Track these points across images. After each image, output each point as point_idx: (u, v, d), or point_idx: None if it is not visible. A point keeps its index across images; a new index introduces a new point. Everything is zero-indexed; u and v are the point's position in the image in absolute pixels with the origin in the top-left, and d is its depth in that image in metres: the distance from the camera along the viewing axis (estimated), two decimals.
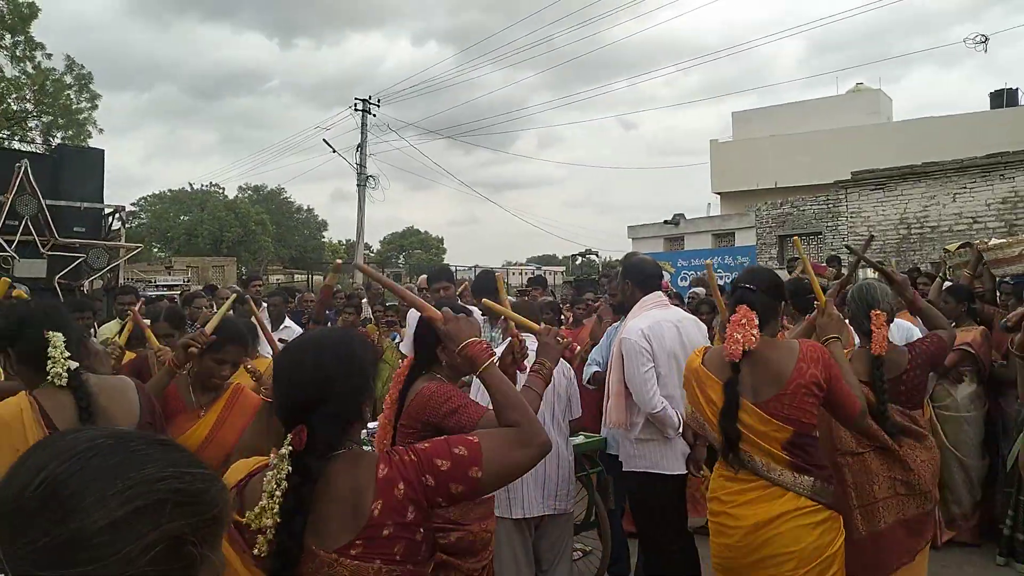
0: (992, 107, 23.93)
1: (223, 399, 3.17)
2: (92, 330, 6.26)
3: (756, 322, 2.78)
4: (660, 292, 4.14)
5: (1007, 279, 6.02)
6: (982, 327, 5.50)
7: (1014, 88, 24.39)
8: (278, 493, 1.58)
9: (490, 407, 2.23)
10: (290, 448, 1.59)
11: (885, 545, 3.24)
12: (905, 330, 4.53)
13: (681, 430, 3.82)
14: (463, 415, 2.51)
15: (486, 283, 5.40)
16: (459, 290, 6.18)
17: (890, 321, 3.48)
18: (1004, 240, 6.51)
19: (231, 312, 3.54)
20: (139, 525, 0.88)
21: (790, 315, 4.78)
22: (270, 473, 1.60)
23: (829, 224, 17.04)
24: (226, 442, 3.06)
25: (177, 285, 23.39)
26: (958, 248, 6.95)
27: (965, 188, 14.48)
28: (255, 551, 1.58)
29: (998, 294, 6.26)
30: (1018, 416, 4.90)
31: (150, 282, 26.01)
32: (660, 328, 3.87)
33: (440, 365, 2.76)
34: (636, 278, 4.11)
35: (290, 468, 1.58)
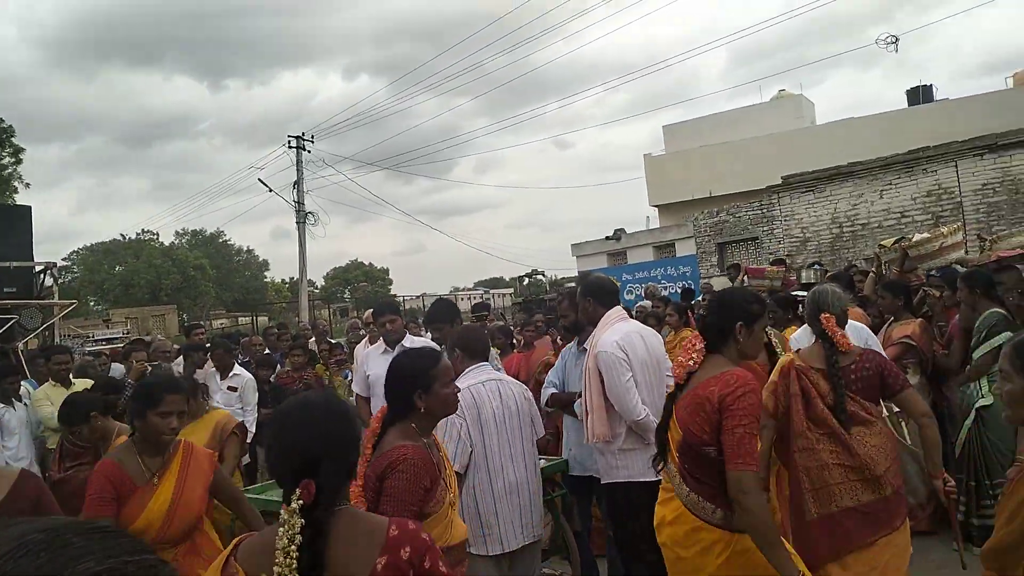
0: (910, 104, 24.86)
1: (176, 463, 3.09)
2: (23, 392, 6.05)
3: (700, 347, 2.93)
4: (620, 307, 4.30)
5: (934, 272, 6.22)
6: (920, 319, 5.65)
7: (928, 84, 25.40)
8: (293, 548, 1.59)
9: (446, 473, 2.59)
10: (300, 503, 1.64)
11: (837, 530, 3.30)
12: (856, 330, 4.66)
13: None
14: (393, 496, 2.49)
15: (440, 311, 5.38)
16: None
17: (842, 323, 3.67)
18: (925, 236, 6.73)
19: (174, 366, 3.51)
20: None
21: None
22: (281, 530, 1.62)
23: (765, 229, 17.43)
24: (192, 508, 3.04)
25: (116, 338, 22.79)
26: (893, 244, 7.16)
27: (891, 184, 14.98)
28: None
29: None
30: (962, 403, 5.05)
31: (88, 337, 25.30)
32: (631, 339, 4.03)
33: (417, 412, 2.73)
34: (596, 295, 4.26)
35: (303, 523, 1.62)
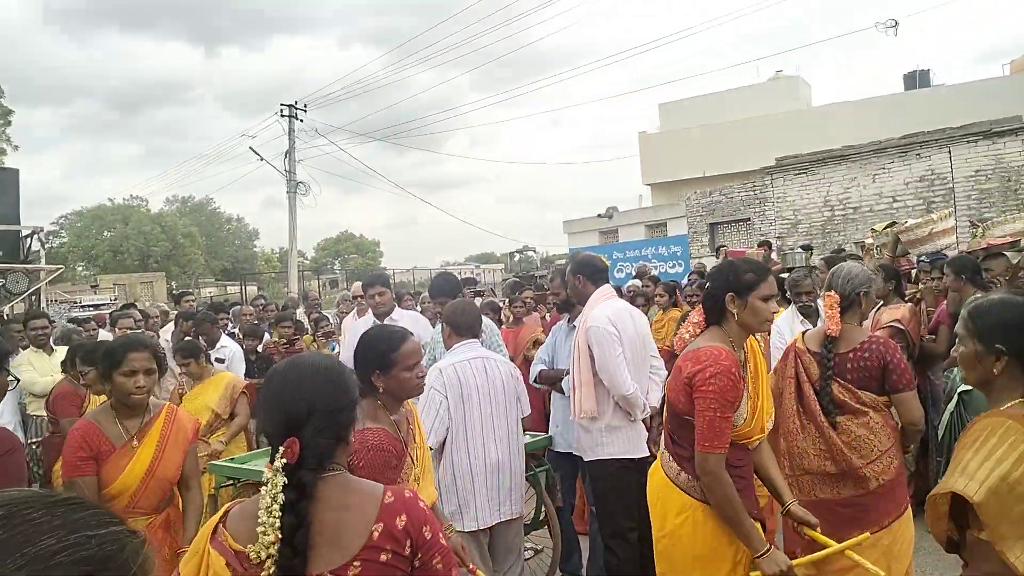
0: (906, 88, 24.84)
1: (156, 427, 3.04)
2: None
3: (700, 318, 2.91)
4: (609, 285, 4.32)
5: (923, 257, 6.23)
6: (909, 304, 5.67)
7: (926, 69, 25.36)
8: (275, 507, 1.55)
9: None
10: (283, 462, 1.60)
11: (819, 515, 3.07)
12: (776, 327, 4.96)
13: (644, 415, 4.05)
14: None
15: (443, 285, 5.36)
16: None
17: (855, 307, 3.43)
18: (917, 221, 6.74)
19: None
20: None
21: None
22: (264, 489, 1.59)
23: (756, 210, 17.43)
24: (168, 473, 3.01)
25: (103, 304, 22.67)
26: (884, 228, 7.16)
27: (884, 169, 14.98)
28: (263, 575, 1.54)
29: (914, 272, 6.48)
30: (946, 388, 5.08)
31: (75, 303, 25.14)
32: (622, 315, 4.08)
33: (378, 391, 2.69)
34: (587, 272, 4.27)
35: (285, 481, 1.59)
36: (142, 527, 2.80)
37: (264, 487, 1.60)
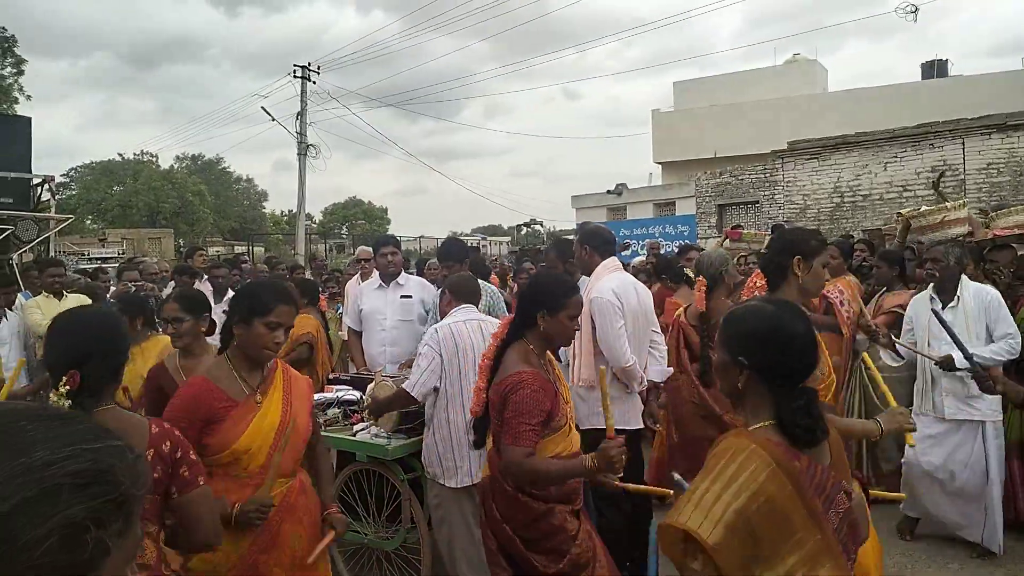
0: (923, 78, 24.61)
1: (277, 381, 2.77)
2: (16, 303, 6.09)
3: (762, 282, 3.19)
4: (615, 258, 4.36)
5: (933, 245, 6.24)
6: (912, 290, 5.70)
7: (944, 59, 25.12)
8: None
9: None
10: (67, 388, 1.94)
11: (696, 452, 3.32)
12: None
13: (641, 387, 4.15)
14: (514, 419, 2.66)
15: (452, 250, 5.38)
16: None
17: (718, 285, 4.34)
18: (931, 208, 6.74)
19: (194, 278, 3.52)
20: (27, 519, 0.78)
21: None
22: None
23: (766, 193, 17.38)
24: (300, 433, 2.75)
25: (112, 257, 22.78)
26: (908, 213, 7.13)
27: (896, 157, 14.91)
28: None
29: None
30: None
31: (83, 254, 25.28)
32: (627, 288, 4.13)
33: (536, 331, 2.86)
34: (594, 243, 4.31)
35: (70, 403, 1.93)
36: (282, 492, 2.65)
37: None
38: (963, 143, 14.11)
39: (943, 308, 4.51)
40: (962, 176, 14.08)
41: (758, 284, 3.09)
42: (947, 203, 6.64)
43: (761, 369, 1.76)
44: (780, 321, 1.79)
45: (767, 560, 1.59)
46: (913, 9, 21.25)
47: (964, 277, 4.67)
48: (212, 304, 3.88)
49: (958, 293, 4.59)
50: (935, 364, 4.42)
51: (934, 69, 24.68)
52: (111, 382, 2.11)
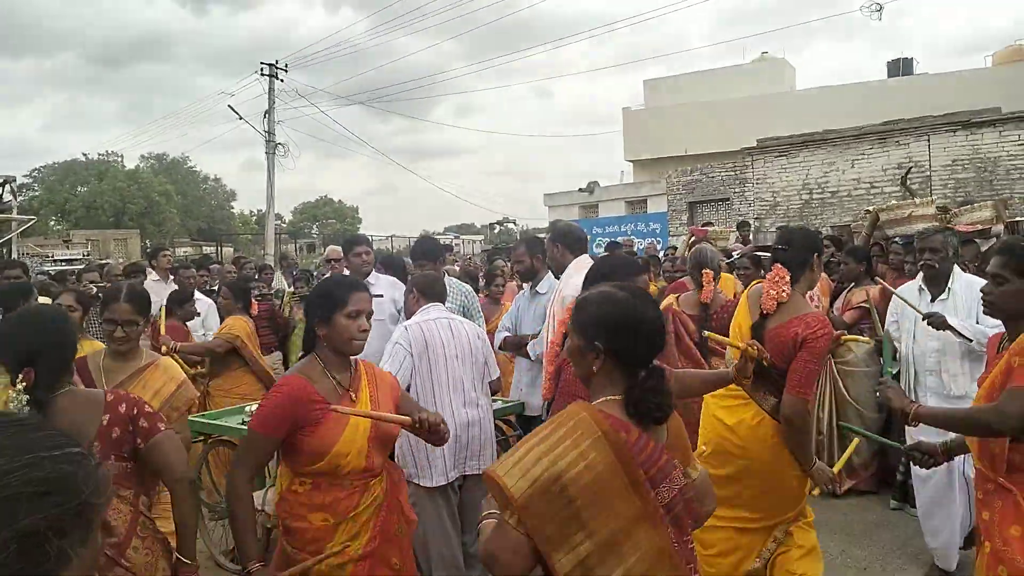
0: (889, 76, 24.95)
1: (363, 379, 2.72)
2: None
3: (788, 279, 3.20)
4: (587, 255, 4.33)
5: (896, 239, 6.31)
6: (880, 286, 5.76)
7: (909, 57, 25.50)
8: None
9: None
10: (23, 384, 2.14)
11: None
12: None
13: None
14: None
15: (426, 248, 5.34)
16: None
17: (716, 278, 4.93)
18: (900, 203, 6.83)
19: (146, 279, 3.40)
20: None
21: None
22: (11, 405, 2.10)
23: (736, 190, 17.52)
24: (390, 429, 2.69)
25: (77, 259, 22.39)
26: (875, 210, 7.22)
27: (863, 155, 15.10)
28: None
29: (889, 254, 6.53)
30: None
31: (47, 256, 24.81)
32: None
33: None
34: (566, 241, 4.32)
35: (28, 397, 2.12)
36: (379, 491, 2.62)
37: (11, 404, 2.10)
38: (929, 140, 14.33)
39: (932, 301, 4.40)
40: (928, 172, 14.29)
41: (785, 279, 3.30)
42: (915, 199, 6.74)
43: (615, 352, 1.82)
44: (633, 307, 1.85)
45: (585, 523, 1.64)
46: (878, 8, 21.53)
47: (956, 268, 4.48)
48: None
49: (949, 285, 4.39)
50: (923, 319, 4.27)
51: (900, 67, 25.03)
52: (64, 374, 2.32)
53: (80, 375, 3.15)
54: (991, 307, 2.62)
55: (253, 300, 7.24)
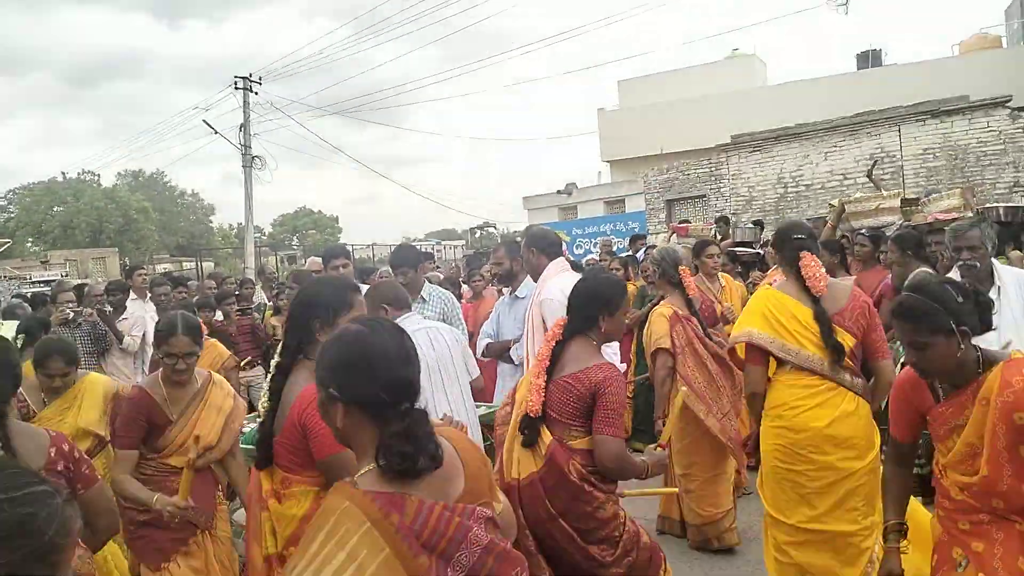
0: (859, 68, 25.19)
1: None
2: None
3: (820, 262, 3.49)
4: (563, 258, 4.42)
5: (862, 231, 6.39)
6: (855, 277, 5.84)
7: (878, 49, 25.74)
8: None
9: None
10: None
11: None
12: None
13: None
14: (615, 410, 2.86)
15: (405, 256, 5.32)
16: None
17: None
18: (867, 195, 6.93)
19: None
20: None
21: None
22: None
23: (713, 187, 17.63)
24: None
25: (54, 280, 22.18)
26: (839, 203, 7.31)
27: (835, 147, 15.25)
28: None
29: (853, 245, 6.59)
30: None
31: (25, 278, 24.58)
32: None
33: (596, 330, 3.02)
34: (541, 245, 4.37)
35: None
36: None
37: None
38: (899, 130, 14.49)
39: None
40: (900, 162, 14.45)
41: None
42: (882, 192, 6.84)
43: (355, 399, 1.54)
44: (363, 342, 1.58)
45: None
46: (844, 1, 21.73)
47: (994, 261, 4.06)
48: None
49: (996, 282, 3.89)
50: None
51: (869, 59, 25.28)
52: (6, 402, 2.45)
53: (151, 412, 3.17)
54: (922, 374, 2.41)
55: (233, 315, 7.24)
